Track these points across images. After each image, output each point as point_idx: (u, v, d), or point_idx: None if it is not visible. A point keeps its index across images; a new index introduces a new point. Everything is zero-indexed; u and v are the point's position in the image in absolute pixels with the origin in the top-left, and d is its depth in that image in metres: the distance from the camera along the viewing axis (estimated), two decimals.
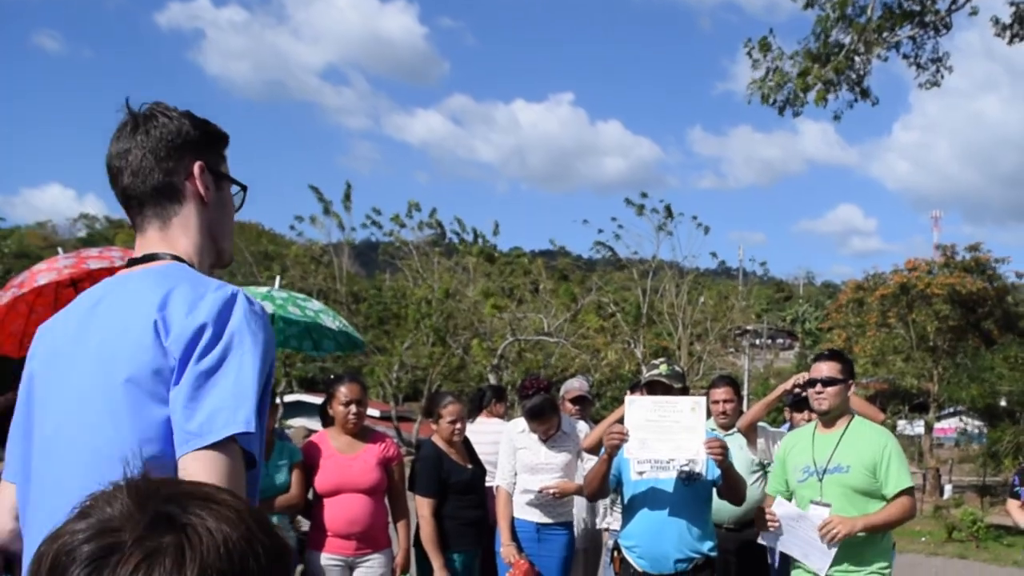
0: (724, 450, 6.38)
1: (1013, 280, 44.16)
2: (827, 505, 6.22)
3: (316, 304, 9.88)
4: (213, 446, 2.38)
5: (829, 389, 6.38)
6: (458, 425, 7.82)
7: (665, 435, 6.25)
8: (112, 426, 2.49)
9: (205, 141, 2.85)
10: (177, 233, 2.79)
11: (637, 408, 6.41)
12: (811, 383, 6.48)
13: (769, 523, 6.42)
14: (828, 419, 6.46)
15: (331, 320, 9.61)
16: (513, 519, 8.05)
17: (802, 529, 6.19)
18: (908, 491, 6.28)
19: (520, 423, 8.40)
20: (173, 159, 2.75)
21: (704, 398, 6.56)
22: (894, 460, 6.28)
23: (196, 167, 2.78)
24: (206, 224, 2.84)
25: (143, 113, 2.76)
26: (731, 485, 6.64)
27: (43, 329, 2.88)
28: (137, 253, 2.79)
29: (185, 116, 2.80)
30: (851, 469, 6.22)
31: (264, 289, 10.19)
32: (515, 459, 8.25)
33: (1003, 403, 33.47)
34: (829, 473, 6.28)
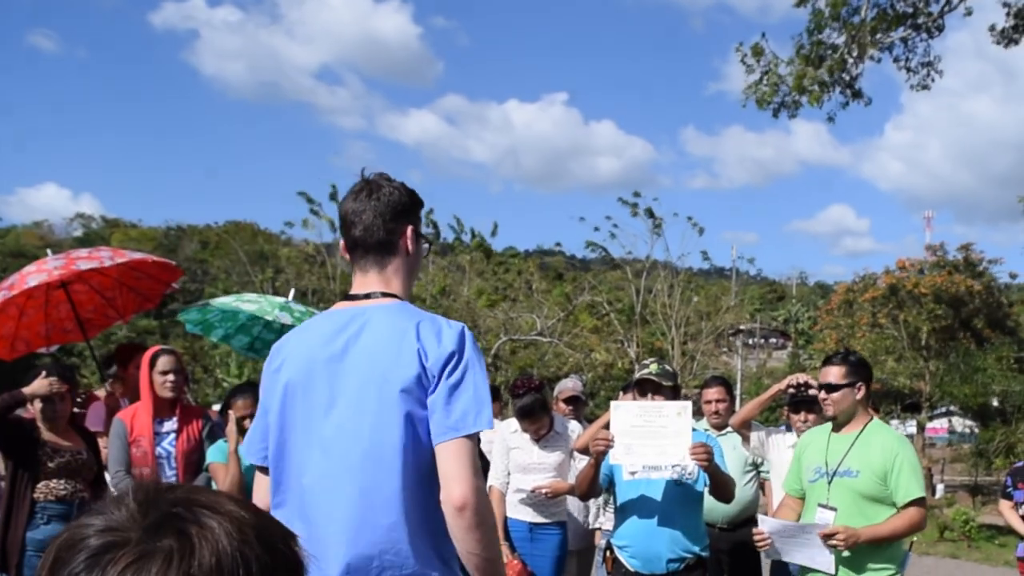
0: (710, 454, 6.30)
1: (1006, 280, 44.29)
2: (833, 509, 6.09)
3: None
4: (464, 436, 3.49)
5: (833, 395, 6.26)
6: None
7: (651, 440, 6.20)
8: (387, 424, 3.54)
9: (414, 209, 3.91)
10: (392, 277, 3.85)
11: (623, 413, 6.36)
12: (820, 388, 6.38)
13: (760, 544, 6.31)
14: (837, 424, 6.34)
15: None
16: (506, 519, 8.02)
17: (803, 536, 6.09)
18: (919, 501, 6.10)
19: (513, 423, 8.40)
20: (394, 222, 3.81)
21: (690, 403, 6.44)
22: (906, 468, 6.09)
23: (409, 230, 3.85)
24: (408, 270, 3.93)
25: (374, 182, 3.84)
26: (718, 485, 6.57)
27: (288, 345, 3.89)
28: (359, 289, 3.87)
29: (404, 188, 3.88)
30: (860, 474, 6.06)
31: (281, 299, 10.22)
32: (508, 459, 8.25)
33: (995, 403, 33.54)
34: (839, 476, 6.14)
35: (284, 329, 10.13)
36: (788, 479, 6.76)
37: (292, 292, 11.15)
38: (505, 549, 7.64)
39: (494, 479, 8.23)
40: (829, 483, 6.18)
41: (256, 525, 1.28)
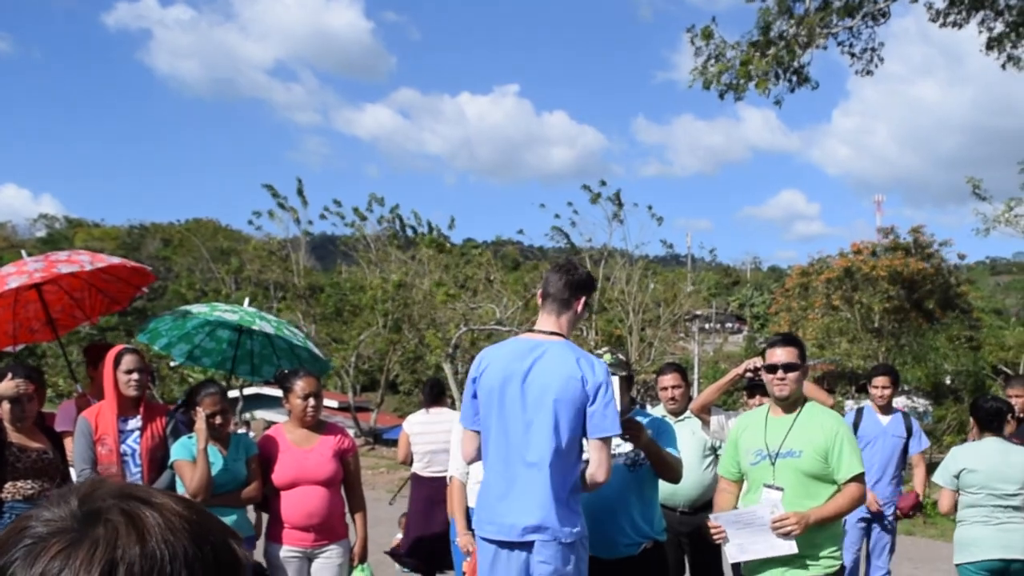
0: (639, 429, 6.24)
1: (956, 262, 44.59)
2: (780, 489, 6.17)
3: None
4: (606, 438, 5.55)
5: (790, 375, 6.31)
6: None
7: None
8: (557, 424, 5.49)
9: (589, 289, 5.95)
10: (564, 324, 5.82)
11: None
12: (771, 369, 6.38)
13: (716, 536, 6.33)
14: (787, 404, 6.39)
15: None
16: (468, 508, 7.96)
17: (756, 523, 6.11)
18: (858, 477, 6.23)
19: None
20: (575, 292, 5.83)
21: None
22: (846, 446, 6.21)
23: (581, 301, 5.88)
24: (573, 323, 5.90)
25: (571, 263, 6.06)
26: (656, 463, 6.46)
27: (492, 356, 5.78)
28: (543, 327, 5.82)
29: (584, 272, 5.98)
30: (803, 454, 6.16)
31: (255, 310, 10.27)
32: None
33: (948, 381, 33.79)
34: (782, 457, 6.22)
35: (233, 337, 10.39)
36: (725, 463, 6.83)
37: (247, 301, 11.22)
38: (469, 538, 7.57)
39: (454, 469, 8.22)
40: (773, 464, 6.26)
41: (190, 520, 1.30)
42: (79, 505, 1.28)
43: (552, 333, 5.72)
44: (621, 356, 6.78)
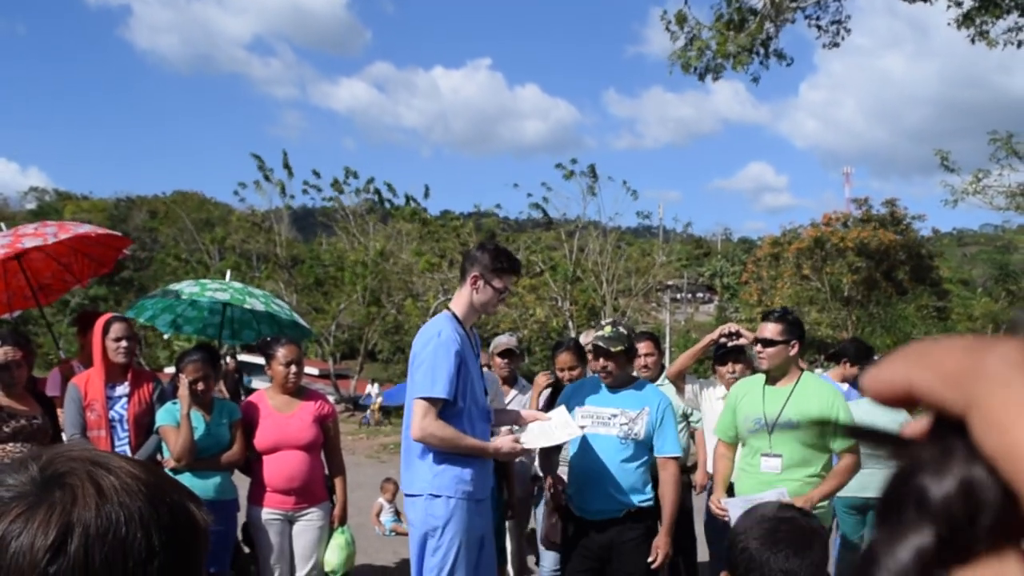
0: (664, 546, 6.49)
1: (928, 234, 44.83)
2: (778, 456, 6.37)
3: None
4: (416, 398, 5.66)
5: (768, 350, 6.50)
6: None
7: (539, 432, 6.23)
8: (411, 389, 5.81)
9: (474, 263, 5.93)
10: (457, 297, 6.03)
11: (557, 417, 6.34)
12: (756, 342, 6.59)
13: (720, 516, 6.51)
14: (771, 377, 6.57)
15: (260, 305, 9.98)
16: None
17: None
18: (855, 447, 6.38)
19: None
20: (466, 269, 5.99)
21: (581, 432, 6.35)
22: (843, 416, 6.34)
23: (472, 277, 5.91)
24: (469, 296, 5.95)
25: (482, 244, 6.14)
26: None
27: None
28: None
29: (477, 252, 6.03)
30: (800, 424, 6.30)
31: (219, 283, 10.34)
32: None
33: None
34: (779, 427, 6.38)
35: (215, 304, 10.52)
36: (722, 425, 6.94)
37: (228, 274, 11.34)
38: None
39: None
40: (770, 433, 6.42)
41: (147, 483, 1.34)
42: (39, 471, 1.31)
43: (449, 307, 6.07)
44: (622, 329, 6.75)
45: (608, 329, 6.61)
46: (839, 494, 8.59)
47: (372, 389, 42.44)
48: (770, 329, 6.51)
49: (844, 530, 8.97)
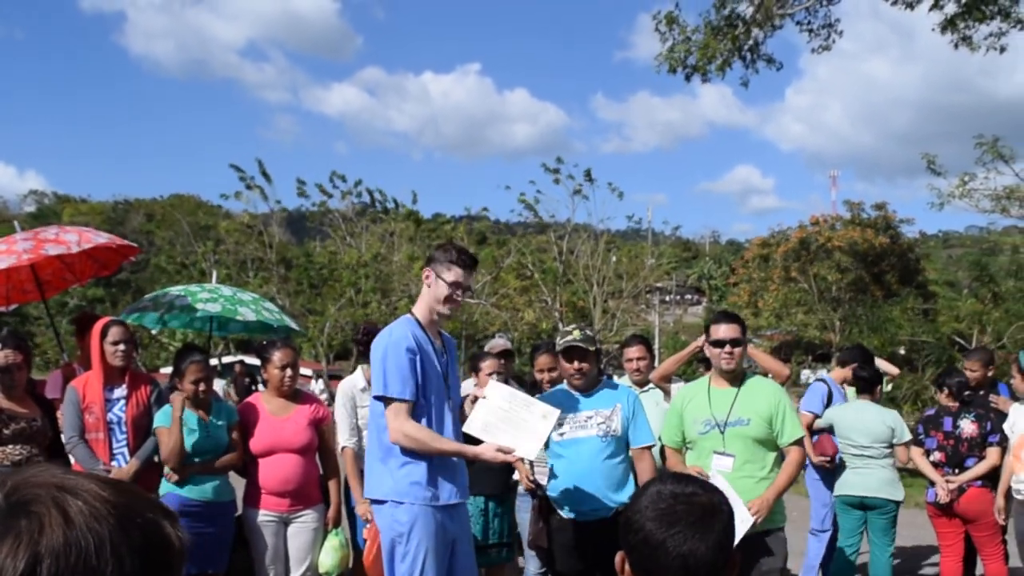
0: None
1: (914, 236, 44.93)
2: (731, 455, 6.44)
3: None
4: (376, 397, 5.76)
5: (737, 349, 6.58)
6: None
7: (509, 428, 6.03)
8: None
9: (431, 261, 5.95)
10: (419, 299, 6.06)
11: (496, 392, 6.22)
12: (718, 344, 6.59)
13: None
14: (733, 376, 6.63)
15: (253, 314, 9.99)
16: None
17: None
18: (799, 441, 6.61)
19: (359, 377, 8.12)
20: (424, 266, 6.08)
21: (558, 411, 6.19)
22: (788, 412, 6.57)
23: (427, 273, 5.94)
24: (427, 295, 5.96)
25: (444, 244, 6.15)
26: None
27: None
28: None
29: (435, 251, 6.08)
30: (751, 422, 6.45)
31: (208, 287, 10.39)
32: (356, 416, 7.91)
33: (902, 351, 33.92)
34: (731, 426, 6.49)
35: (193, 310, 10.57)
36: (668, 432, 6.96)
37: (215, 275, 11.43)
38: (367, 506, 6.53)
39: (345, 440, 7.92)
40: (723, 433, 6.51)
41: (116, 504, 1.31)
42: (3, 499, 1.28)
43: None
44: (588, 332, 6.85)
45: (577, 333, 6.67)
46: (837, 492, 9.19)
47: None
48: (733, 329, 6.62)
49: (843, 527, 9.26)
